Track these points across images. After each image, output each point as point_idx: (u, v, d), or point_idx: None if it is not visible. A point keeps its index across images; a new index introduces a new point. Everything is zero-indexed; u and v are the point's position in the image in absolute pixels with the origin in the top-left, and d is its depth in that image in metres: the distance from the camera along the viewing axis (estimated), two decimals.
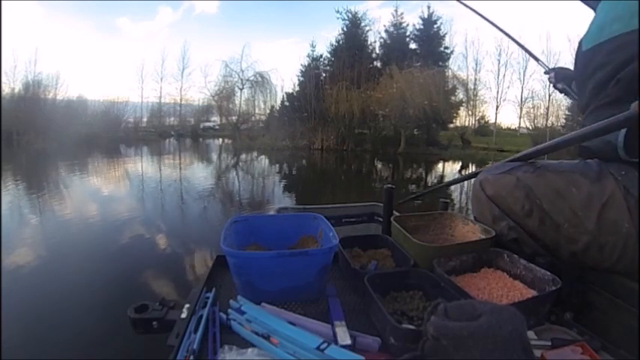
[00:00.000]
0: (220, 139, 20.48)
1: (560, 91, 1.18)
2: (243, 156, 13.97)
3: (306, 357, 0.62)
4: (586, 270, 0.74)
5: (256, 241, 1.03)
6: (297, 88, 18.23)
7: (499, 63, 21.77)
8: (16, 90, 17.17)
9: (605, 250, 0.63)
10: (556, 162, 0.71)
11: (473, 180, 0.91)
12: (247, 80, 20.06)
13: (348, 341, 0.66)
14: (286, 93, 18.91)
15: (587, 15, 0.88)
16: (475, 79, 20.32)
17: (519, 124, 22.65)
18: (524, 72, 21.04)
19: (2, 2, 12.96)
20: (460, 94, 17.64)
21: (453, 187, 8.14)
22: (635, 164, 0.58)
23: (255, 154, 14.59)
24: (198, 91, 32.35)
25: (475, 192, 0.77)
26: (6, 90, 16.63)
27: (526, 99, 21.24)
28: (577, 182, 0.64)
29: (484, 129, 23.66)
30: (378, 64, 17.98)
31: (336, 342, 0.66)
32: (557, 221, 0.66)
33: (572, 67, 0.87)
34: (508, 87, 24.83)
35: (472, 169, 11.21)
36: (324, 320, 0.74)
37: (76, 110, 18.33)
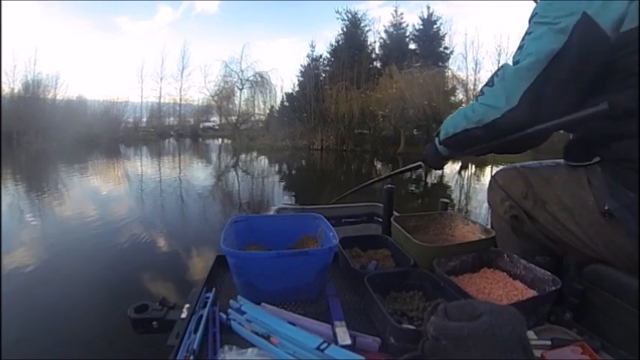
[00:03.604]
0: (220, 139, 20.45)
1: None
2: (242, 156, 13.96)
3: (306, 357, 0.62)
4: (573, 253, 0.82)
5: (256, 241, 1.03)
6: (296, 89, 18.19)
7: (499, 63, 21.77)
8: (16, 90, 17.19)
9: (582, 228, 0.73)
10: (549, 161, 0.87)
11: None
12: (247, 80, 20.06)
13: (348, 341, 0.66)
14: (286, 93, 18.88)
15: None
16: (475, 80, 20.31)
17: None
18: None
19: (2, 2, 12.93)
20: (460, 95, 17.61)
21: (452, 187, 8.16)
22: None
23: (254, 154, 14.58)
24: (198, 91, 32.31)
25: (490, 182, 0.95)
26: (6, 90, 16.63)
27: None
28: (559, 171, 0.79)
29: None
30: (377, 64, 17.94)
31: (336, 342, 0.66)
32: (544, 200, 0.80)
33: None
34: None
35: (472, 169, 11.22)
36: (324, 320, 0.74)
37: (75, 110, 18.27)
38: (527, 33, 0.70)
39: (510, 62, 0.72)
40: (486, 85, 0.75)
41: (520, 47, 0.70)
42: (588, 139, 0.69)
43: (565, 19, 0.63)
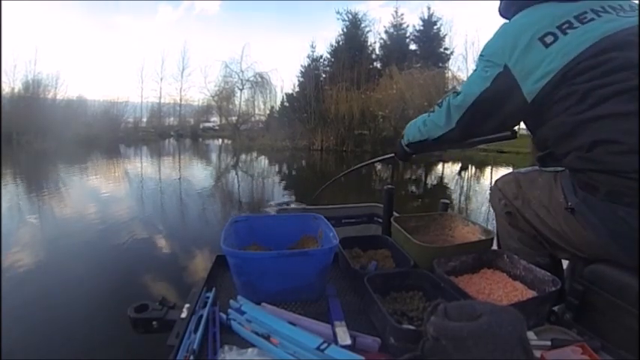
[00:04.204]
0: (220, 140, 20.40)
1: None
2: (242, 156, 13.95)
3: (306, 357, 0.62)
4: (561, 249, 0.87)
5: (256, 241, 1.03)
6: (296, 89, 18.17)
7: None
8: (16, 90, 17.16)
9: (557, 222, 0.82)
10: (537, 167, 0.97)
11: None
12: (247, 81, 20.07)
13: (348, 341, 0.66)
14: (286, 94, 18.85)
15: None
16: None
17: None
18: None
19: (2, 2, 12.92)
20: None
21: (453, 188, 8.16)
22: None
23: (254, 154, 14.56)
24: (198, 92, 32.32)
25: (492, 187, 1.07)
26: (6, 90, 16.58)
27: None
28: (543, 174, 0.89)
29: None
30: (378, 64, 17.95)
31: (336, 342, 0.66)
32: (529, 199, 0.91)
33: None
34: None
35: (472, 170, 11.23)
36: (324, 320, 0.74)
37: (76, 110, 18.23)
38: (471, 73, 0.91)
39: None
40: (437, 104, 0.98)
41: (468, 78, 0.92)
42: (553, 154, 0.83)
43: (491, 69, 0.82)
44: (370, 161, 1.63)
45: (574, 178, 0.76)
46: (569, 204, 0.77)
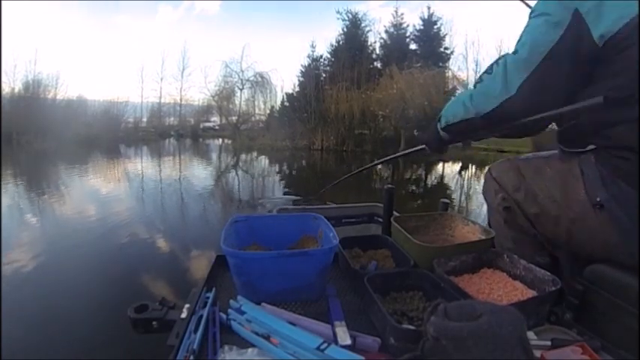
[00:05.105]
0: (220, 140, 20.41)
1: None
2: (243, 156, 13.95)
3: (306, 357, 0.62)
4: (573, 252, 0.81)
5: (256, 241, 1.03)
6: (297, 89, 18.21)
7: None
8: (16, 90, 17.18)
9: (571, 220, 0.73)
10: (544, 152, 0.85)
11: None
12: (247, 80, 20.11)
13: (348, 341, 0.66)
14: (286, 93, 18.90)
15: None
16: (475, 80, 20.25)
17: None
18: None
19: (2, 2, 12.91)
20: None
21: (453, 188, 8.15)
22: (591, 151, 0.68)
23: (255, 154, 14.56)
24: (198, 92, 32.44)
25: (485, 175, 0.95)
26: (6, 90, 16.59)
27: None
28: (551, 162, 0.78)
29: None
30: (378, 64, 17.96)
31: (336, 342, 0.66)
32: (535, 192, 0.80)
33: None
34: None
35: (472, 170, 11.22)
36: (324, 320, 0.74)
37: (76, 110, 18.25)
38: (525, 26, 0.71)
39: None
40: (486, 72, 0.76)
41: (519, 39, 0.72)
42: (582, 126, 0.69)
43: (560, 14, 0.65)
44: (399, 154, 1.48)
45: (609, 164, 0.62)
46: (598, 199, 0.65)
